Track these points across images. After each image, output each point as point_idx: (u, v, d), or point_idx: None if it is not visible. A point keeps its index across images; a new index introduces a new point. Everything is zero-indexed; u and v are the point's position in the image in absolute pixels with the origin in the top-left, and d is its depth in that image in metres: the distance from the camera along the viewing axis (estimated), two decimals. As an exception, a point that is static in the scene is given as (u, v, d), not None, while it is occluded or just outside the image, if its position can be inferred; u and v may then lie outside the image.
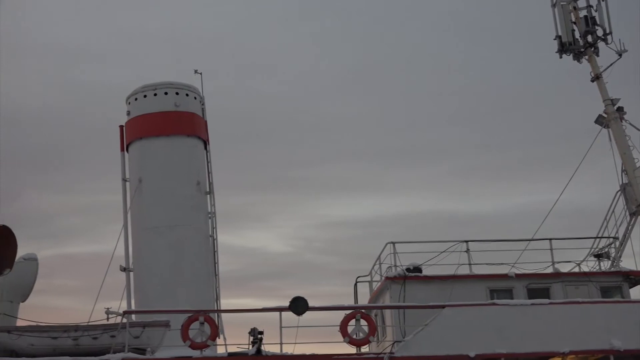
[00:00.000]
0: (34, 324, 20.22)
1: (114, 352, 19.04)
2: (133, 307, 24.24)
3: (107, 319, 23.60)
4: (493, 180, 62.42)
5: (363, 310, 20.01)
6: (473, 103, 64.32)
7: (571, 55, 26.63)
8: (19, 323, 21.69)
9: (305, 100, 66.87)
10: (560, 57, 26.88)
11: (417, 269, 22.71)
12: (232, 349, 20.31)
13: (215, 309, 24.66)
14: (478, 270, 22.99)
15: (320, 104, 66.92)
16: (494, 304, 20.40)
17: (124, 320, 19.91)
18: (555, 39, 26.83)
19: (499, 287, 22.48)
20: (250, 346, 19.36)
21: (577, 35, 26.59)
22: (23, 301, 24.04)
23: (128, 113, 27.44)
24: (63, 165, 61.77)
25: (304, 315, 19.41)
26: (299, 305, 19.37)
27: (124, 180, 26.94)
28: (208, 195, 26.97)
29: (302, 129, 66.23)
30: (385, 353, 19.30)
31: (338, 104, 66.26)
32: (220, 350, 21.61)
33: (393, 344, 19.96)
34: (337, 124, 65.56)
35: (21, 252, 23.17)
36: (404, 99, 66.00)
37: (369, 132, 65.77)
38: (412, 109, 65.35)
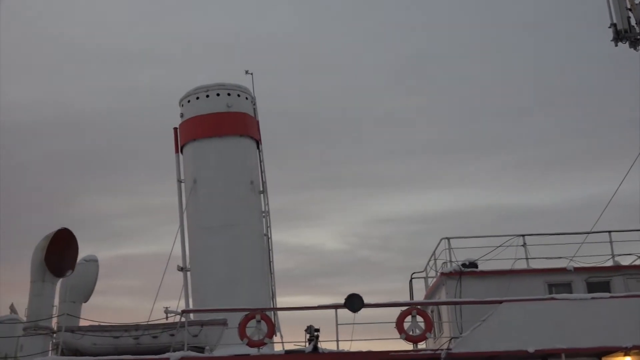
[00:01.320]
0: (96, 323, 20.69)
1: (174, 351, 19.31)
2: (191, 306, 24.62)
3: (166, 318, 24.06)
4: (549, 173, 61.42)
5: (419, 307, 19.87)
6: (528, 96, 63.37)
7: (627, 43, 25.93)
8: (82, 323, 22.25)
9: (358, 97, 66.89)
10: (616, 45, 26.18)
11: (473, 265, 22.47)
12: (289, 346, 20.42)
13: (272, 307, 24.85)
14: (535, 264, 22.62)
15: (373, 101, 66.78)
16: (552, 298, 20.02)
17: (183, 319, 20.20)
18: (610, 27, 26.18)
19: (558, 281, 22.07)
20: (307, 344, 19.44)
21: (632, 22, 25.88)
22: (85, 301, 24.71)
23: (182, 115, 27.87)
24: (121, 168, 63.23)
25: (359, 312, 19.39)
26: (354, 302, 19.37)
27: (179, 181, 27.39)
28: (261, 195, 27.20)
29: (356, 126, 66.22)
30: (442, 349, 19.13)
31: (390, 100, 66.07)
32: (277, 348, 21.78)
33: (450, 340, 19.76)
34: (390, 121, 65.39)
35: (82, 254, 23.87)
36: (457, 93, 65.48)
37: (422, 128, 65.43)
38: (465, 103, 64.75)
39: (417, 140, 65.17)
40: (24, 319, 22.43)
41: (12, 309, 24.58)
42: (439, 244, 23.26)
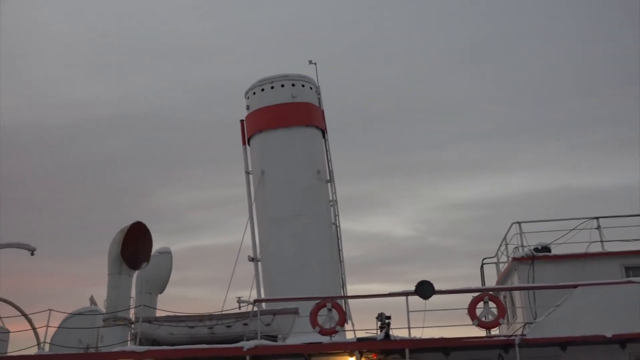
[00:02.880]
0: (172, 314, 21.17)
1: (247, 340, 19.63)
2: (263, 296, 24.94)
3: (239, 307, 24.48)
4: (623, 153, 59.63)
5: (491, 292, 19.65)
6: (596, 76, 61.55)
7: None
8: (158, 314, 22.81)
9: (422, 82, 66.28)
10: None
11: (546, 249, 22.07)
12: (361, 334, 20.47)
13: (342, 295, 24.96)
14: (611, 247, 22.03)
15: (438, 85, 66.09)
16: (630, 281, 19.50)
17: (255, 308, 20.50)
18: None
19: (635, 264, 21.44)
20: (379, 331, 19.48)
21: None
22: (160, 293, 25.30)
23: (247, 107, 28.20)
24: (190, 162, 64.43)
25: (430, 299, 19.33)
26: (425, 289, 19.30)
27: (247, 173, 27.73)
28: (329, 184, 27.29)
29: (421, 111, 65.66)
30: (516, 335, 18.88)
31: (455, 84, 65.22)
32: (349, 335, 21.86)
33: (524, 325, 19.49)
34: (455, 105, 64.60)
35: (156, 246, 24.40)
36: (523, 75, 64.13)
37: (489, 112, 64.38)
38: (532, 84, 63.35)
39: (484, 124, 64.19)
40: (104, 310, 23.11)
41: (92, 300, 25.33)
42: (509, 228, 22.92)
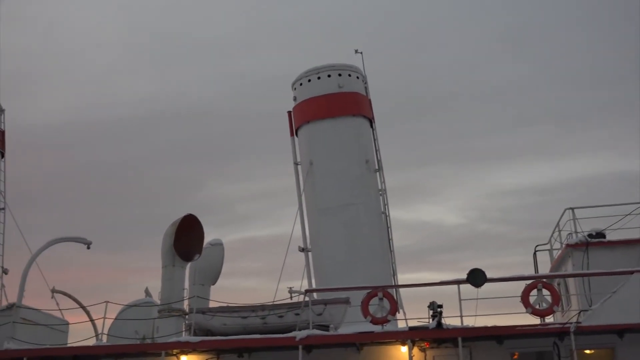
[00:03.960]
0: (225, 304, 21.45)
1: (300, 330, 19.77)
2: (313, 286, 25.08)
3: (291, 297, 24.68)
4: (679, 134, 57.92)
5: (545, 280, 19.40)
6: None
7: None
8: (211, 304, 23.14)
9: (469, 69, 65.48)
10: None
11: (600, 235, 21.65)
12: (413, 323, 20.46)
13: (393, 284, 24.94)
14: (668, 232, 21.52)
15: (485, 71, 65.20)
16: (688, 266, 19.03)
17: (306, 298, 20.63)
18: None
19: (694, 248, 20.90)
20: (430, 320, 19.40)
21: None
22: (213, 284, 25.65)
23: (295, 98, 28.31)
24: (240, 154, 65.01)
25: (482, 287, 19.16)
26: (477, 277, 19.13)
27: (296, 164, 27.87)
28: (377, 173, 27.25)
29: (470, 97, 64.91)
30: (571, 323, 18.58)
31: (503, 69, 64.25)
32: (401, 324, 21.86)
33: (579, 313, 19.20)
34: (505, 90, 63.66)
35: (208, 238, 24.75)
36: (570, 59, 62.77)
37: (539, 96, 63.27)
38: (581, 68, 62.00)
39: (535, 109, 63.09)
40: (158, 302, 23.54)
41: (147, 292, 25.83)
42: (562, 214, 22.56)
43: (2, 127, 28.95)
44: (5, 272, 27.25)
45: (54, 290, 24.86)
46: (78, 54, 70.96)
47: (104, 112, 67.03)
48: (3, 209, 27.89)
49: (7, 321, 22.07)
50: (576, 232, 21.88)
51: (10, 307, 22.71)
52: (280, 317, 20.53)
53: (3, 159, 28.86)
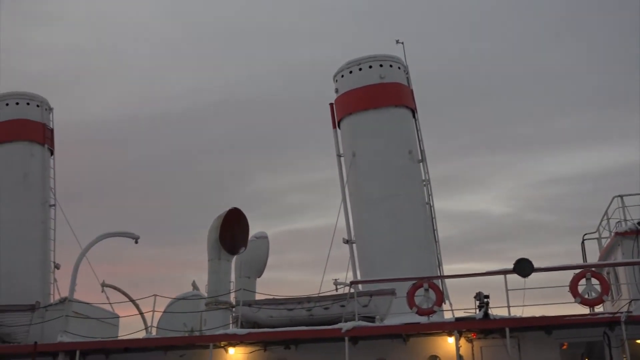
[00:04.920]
0: (271, 297, 21.63)
1: (345, 321, 19.84)
2: (359, 277, 25.09)
3: (336, 289, 24.73)
4: None
5: (593, 269, 19.10)
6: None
7: None
8: (257, 297, 23.34)
9: (514, 55, 64.47)
10: None
11: (651, 222, 21.21)
12: (459, 314, 20.35)
13: (439, 275, 24.82)
14: None
15: (531, 56, 64.11)
16: None
17: (352, 290, 20.66)
18: None
19: None
20: (477, 310, 19.29)
21: None
22: (259, 276, 25.88)
23: (336, 90, 28.28)
24: (284, 146, 65.27)
25: (529, 277, 18.95)
26: (524, 267, 18.94)
27: (339, 156, 27.85)
28: (421, 163, 27.09)
29: (515, 85, 63.97)
30: (622, 312, 18.27)
31: (549, 55, 63.15)
32: (447, 315, 21.75)
33: (630, 302, 18.86)
34: (551, 77, 62.55)
35: (253, 230, 24.94)
36: (619, 42, 61.33)
37: (585, 81, 62.00)
38: (631, 52, 60.51)
39: (581, 96, 61.90)
40: (205, 295, 23.83)
41: (194, 285, 26.18)
42: (611, 202, 22.13)
43: (51, 125, 29.60)
44: (57, 267, 27.96)
45: (104, 284, 25.38)
46: (126, 49, 72.07)
47: (151, 107, 68.06)
48: (53, 205, 28.58)
49: (60, 315, 22.64)
50: (625, 220, 21.45)
51: (63, 301, 23.29)
52: (326, 308, 20.64)
53: (52, 156, 29.52)
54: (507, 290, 19.11)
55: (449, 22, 65.87)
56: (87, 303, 24.11)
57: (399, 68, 27.90)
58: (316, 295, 21.51)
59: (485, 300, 19.08)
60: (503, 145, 62.48)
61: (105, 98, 69.20)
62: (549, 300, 18.98)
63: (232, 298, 23.24)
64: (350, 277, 25.05)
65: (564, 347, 19.19)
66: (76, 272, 23.91)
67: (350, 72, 27.72)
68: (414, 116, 27.77)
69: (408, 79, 28.06)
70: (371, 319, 20.25)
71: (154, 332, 22.35)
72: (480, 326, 18.98)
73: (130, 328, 24.09)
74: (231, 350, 20.79)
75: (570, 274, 18.85)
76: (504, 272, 19.19)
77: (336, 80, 28.36)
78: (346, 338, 19.33)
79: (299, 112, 61.36)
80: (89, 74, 70.15)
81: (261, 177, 66.35)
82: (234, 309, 22.33)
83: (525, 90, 63.18)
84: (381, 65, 27.48)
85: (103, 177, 62.25)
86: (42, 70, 65.77)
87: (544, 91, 63.02)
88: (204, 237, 23.97)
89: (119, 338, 23.53)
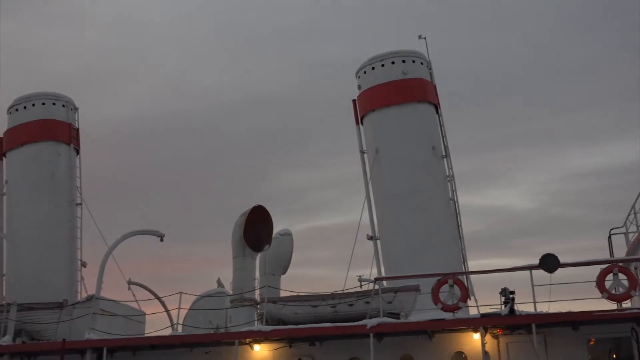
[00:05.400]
0: (296, 294, 21.67)
1: (370, 318, 19.82)
2: (383, 274, 25.06)
3: (360, 286, 24.74)
4: None
5: (621, 264, 18.88)
6: None
7: None
8: (282, 294, 23.41)
9: (542, 48, 63.77)
10: None
11: (679, 216, 20.94)
12: (484, 310, 20.23)
13: (464, 271, 24.70)
14: None
15: (555, 50, 63.45)
16: None
17: (376, 286, 20.64)
18: None
19: None
20: (503, 306, 19.16)
21: None
22: (283, 273, 25.96)
23: (359, 87, 28.22)
24: (306, 143, 65.32)
25: (555, 272, 18.78)
26: (550, 263, 18.76)
27: (362, 152, 27.80)
28: (444, 159, 26.97)
29: (539, 78, 63.35)
30: (650, 307, 18.08)
31: (573, 48, 62.48)
32: (472, 312, 21.65)
33: (658, 297, 18.64)
34: (576, 69, 61.87)
35: (277, 228, 25.00)
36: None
37: (611, 74, 61.20)
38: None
39: (607, 88, 61.09)
40: (230, 292, 23.94)
41: (219, 283, 26.32)
42: (638, 196, 21.86)
43: (77, 125, 29.91)
44: (83, 265, 28.28)
45: (130, 282, 25.59)
46: (149, 48, 72.55)
47: (174, 106, 68.45)
48: (80, 204, 28.91)
49: (87, 312, 22.87)
50: (654, 213, 21.20)
51: (90, 298, 23.54)
52: (351, 305, 20.62)
53: (78, 156, 29.83)
54: (532, 285, 18.94)
55: (470, 16, 65.41)
56: (114, 301, 24.35)
57: (422, 63, 27.78)
58: (341, 292, 21.51)
59: (511, 296, 18.94)
60: (527, 139, 61.96)
61: (129, 97, 69.76)
62: (575, 295, 18.77)
63: (256, 295, 23.32)
64: (374, 274, 25.04)
65: (591, 342, 19.01)
66: (103, 270, 24.14)
67: (373, 68, 27.66)
68: (437, 111, 27.65)
69: (431, 75, 27.93)
70: (396, 315, 20.21)
71: (179, 329, 22.50)
72: (506, 322, 18.85)
73: (156, 325, 24.32)
74: (256, 347, 20.87)
75: (597, 269, 18.63)
76: (530, 268, 19.02)
77: (359, 77, 28.30)
78: (371, 334, 19.31)
79: (321, 110, 61.36)
80: (112, 73, 70.78)
81: (284, 175, 66.50)
82: (258, 306, 22.40)
83: (550, 83, 62.63)
84: (404, 61, 27.38)
85: (127, 175, 62.84)
86: (67, 71, 66.51)
87: (569, 84, 62.41)
88: (228, 235, 24.10)
89: (146, 335, 23.73)
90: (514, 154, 62.53)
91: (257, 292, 23.37)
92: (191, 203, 63.04)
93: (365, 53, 29.33)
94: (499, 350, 19.32)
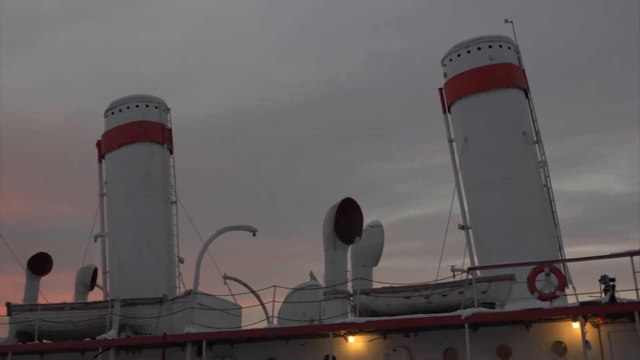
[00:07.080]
0: (388, 285, 21.66)
1: (464, 308, 19.62)
2: (476, 263, 24.72)
3: (453, 276, 24.46)
4: None
5: None
6: None
7: None
8: (374, 285, 23.44)
9: (631, 26, 61.27)
10: None
11: None
12: (583, 298, 19.69)
13: (560, 258, 24.08)
14: None
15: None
16: None
17: (470, 276, 20.39)
18: None
19: None
20: (603, 294, 18.58)
21: None
22: (375, 265, 25.96)
23: (445, 75, 27.87)
24: (394, 133, 65.11)
25: (657, 257, 18.09)
26: (651, 248, 18.09)
27: (450, 141, 27.46)
28: (536, 145, 26.32)
29: (630, 57, 60.81)
30: None
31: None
32: (571, 300, 21.10)
33: None
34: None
35: (367, 220, 25.03)
36: None
37: None
38: None
39: None
40: (323, 284, 24.16)
41: (312, 276, 26.57)
42: None
43: (169, 125, 30.83)
44: (181, 261, 29.16)
45: (225, 277, 26.19)
46: (230, 47, 73.90)
47: (258, 103, 69.47)
48: (175, 202, 29.79)
49: (185, 307, 23.60)
50: None
51: (188, 293, 24.27)
52: (444, 295, 20.46)
53: (172, 155, 30.75)
54: (634, 272, 18.31)
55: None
56: (211, 295, 25.00)
57: (509, 48, 27.18)
58: (433, 282, 21.37)
59: (612, 283, 18.34)
60: (625, 120, 59.64)
61: (214, 96, 71.28)
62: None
63: (349, 287, 23.45)
64: (467, 264, 24.73)
65: (699, 330, 18.20)
66: (199, 265, 24.83)
67: (459, 55, 27.25)
68: (527, 96, 26.99)
69: (519, 59, 27.29)
70: (491, 305, 19.92)
71: (275, 322, 22.88)
72: (607, 310, 18.27)
73: (252, 318, 24.79)
74: (351, 339, 21.01)
75: (703, 254, 17.85)
76: (631, 254, 18.40)
77: (444, 65, 27.95)
78: (466, 325, 19.11)
79: (409, 98, 60.97)
80: (197, 73, 72.45)
81: (372, 166, 66.48)
82: (351, 298, 22.53)
83: (644, 63, 59.94)
84: (490, 47, 26.86)
85: (218, 171, 64.27)
86: (153, 72, 68.56)
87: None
88: (317, 228, 24.32)
89: (243, 328, 24.25)
90: (606, 137, 60.48)
91: (350, 284, 23.49)
92: (282, 196, 63.94)
93: (451, 40, 28.90)
94: (600, 340, 18.74)
